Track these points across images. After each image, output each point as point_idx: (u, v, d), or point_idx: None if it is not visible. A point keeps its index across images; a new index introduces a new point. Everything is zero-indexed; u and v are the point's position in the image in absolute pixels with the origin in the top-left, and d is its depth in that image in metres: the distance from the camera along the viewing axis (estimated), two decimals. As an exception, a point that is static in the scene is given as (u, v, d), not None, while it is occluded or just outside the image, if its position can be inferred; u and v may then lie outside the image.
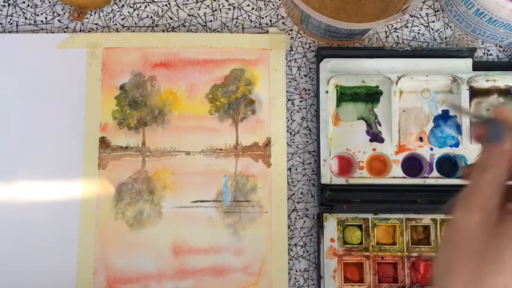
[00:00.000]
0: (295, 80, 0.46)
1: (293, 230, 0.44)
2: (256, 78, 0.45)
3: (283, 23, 0.47)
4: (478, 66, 0.45)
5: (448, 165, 0.44)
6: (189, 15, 0.47)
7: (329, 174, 0.43)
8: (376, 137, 0.44)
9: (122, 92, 0.45)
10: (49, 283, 0.42)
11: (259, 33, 0.47)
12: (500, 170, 0.26)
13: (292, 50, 0.47)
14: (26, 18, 0.47)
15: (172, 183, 0.44)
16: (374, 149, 0.44)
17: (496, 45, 0.47)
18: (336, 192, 0.43)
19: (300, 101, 0.46)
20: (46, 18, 0.47)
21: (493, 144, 0.27)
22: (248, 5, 0.47)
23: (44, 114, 0.44)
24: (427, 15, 0.47)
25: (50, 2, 0.47)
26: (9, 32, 0.46)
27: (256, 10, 0.47)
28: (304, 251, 0.44)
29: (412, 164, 0.44)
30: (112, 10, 0.47)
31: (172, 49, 0.45)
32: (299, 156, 0.45)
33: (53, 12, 0.47)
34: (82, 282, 0.42)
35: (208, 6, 0.47)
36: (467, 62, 0.44)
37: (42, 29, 0.46)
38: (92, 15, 0.47)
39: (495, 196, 0.26)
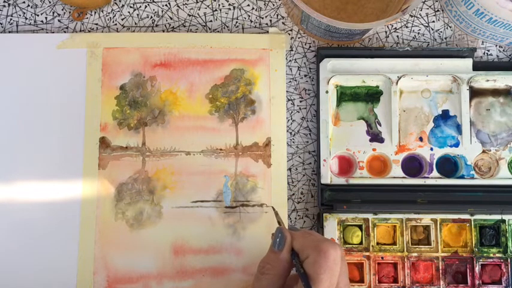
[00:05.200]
0: (295, 80, 0.46)
1: (293, 230, 0.44)
2: (256, 78, 0.45)
3: (283, 23, 0.47)
4: (478, 66, 0.45)
5: (448, 165, 0.44)
6: (189, 15, 0.47)
7: (329, 174, 0.43)
8: (376, 137, 0.44)
9: (122, 92, 0.45)
10: (49, 283, 0.42)
11: (259, 33, 0.47)
12: (276, 276, 0.32)
13: (292, 50, 0.47)
14: (26, 18, 0.47)
15: (172, 183, 0.44)
16: (374, 149, 0.44)
17: (496, 45, 0.47)
18: (336, 192, 0.43)
19: (300, 101, 0.46)
20: (46, 18, 0.47)
21: (274, 250, 0.32)
22: (248, 5, 0.47)
23: (44, 114, 0.44)
24: (427, 15, 0.47)
25: (50, 2, 0.47)
26: (9, 32, 0.46)
27: (256, 10, 0.47)
28: (304, 251, 0.44)
29: (412, 164, 0.44)
30: (112, 10, 0.47)
31: (172, 49, 0.45)
32: (299, 156, 0.45)
33: (53, 12, 0.47)
34: (82, 282, 0.42)
35: (208, 6, 0.47)
36: (467, 62, 0.44)
37: (42, 29, 0.46)
38: (92, 15, 0.47)
39: None
